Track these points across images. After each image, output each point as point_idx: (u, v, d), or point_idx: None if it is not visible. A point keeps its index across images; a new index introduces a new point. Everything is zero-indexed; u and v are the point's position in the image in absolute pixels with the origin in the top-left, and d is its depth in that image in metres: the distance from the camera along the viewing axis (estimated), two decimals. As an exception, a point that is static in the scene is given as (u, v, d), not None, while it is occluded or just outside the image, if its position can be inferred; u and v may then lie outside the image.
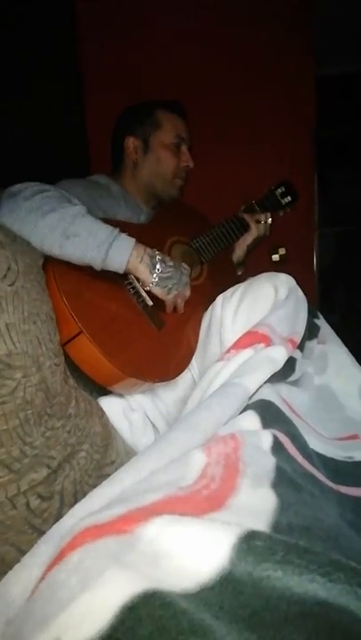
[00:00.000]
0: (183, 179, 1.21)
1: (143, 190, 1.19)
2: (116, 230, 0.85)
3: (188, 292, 0.96)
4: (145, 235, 1.01)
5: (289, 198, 1.30)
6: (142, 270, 0.87)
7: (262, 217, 1.24)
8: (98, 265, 0.83)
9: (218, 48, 1.67)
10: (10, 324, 0.60)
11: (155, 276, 0.88)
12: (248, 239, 1.24)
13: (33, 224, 0.79)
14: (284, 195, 1.29)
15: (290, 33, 1.63)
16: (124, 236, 0.85)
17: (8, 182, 0.89)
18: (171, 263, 0.91)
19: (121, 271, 0.85)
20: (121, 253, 0.83)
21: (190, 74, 1.66)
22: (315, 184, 1.70)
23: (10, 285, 0.63)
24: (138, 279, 0.91)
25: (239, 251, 1.27)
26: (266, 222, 1.24)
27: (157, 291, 0.90)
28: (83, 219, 0.83)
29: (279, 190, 1.29)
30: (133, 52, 1.68)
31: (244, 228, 1.23)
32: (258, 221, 1.24)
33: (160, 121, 1.17)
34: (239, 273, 1.32)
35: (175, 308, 0.97)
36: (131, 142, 1.17)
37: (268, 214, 1.25)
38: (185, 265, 0.97)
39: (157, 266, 0.88)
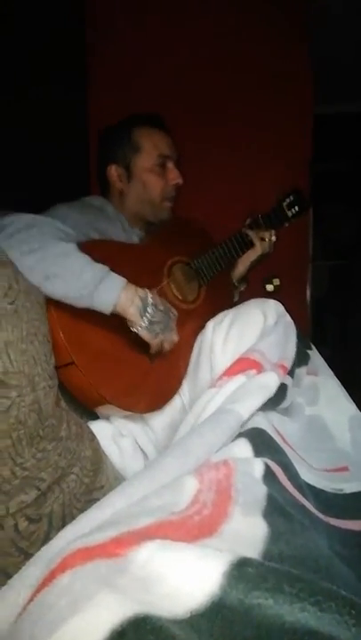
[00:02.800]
0: (172, 198, 1.17)
1: (133, 216, 1.17)
2: (105, 270, 0.83)
3: (175, 338, 0.94)
4: (145, 256, 1.01)
5: (297, 209, 1.26)
6: (132, 313, 0.85)
7: (267, 234, 1.21)
8: (82, 305, 0.81)
9: (218, 81, 1.73)
10: (8, 342, 0.61)
11: (144, 319, 0.86)
12: (252, 256, 1.22)
13: (13, 260, 0.76)
14: (291, 205, 1.25)
15: (291, 74, 1.70)
16: (113, 276, 0.83)
17: (5, 194, 0.90)
18: (161, 307, 0.89)
19: (107, 313, 0.83)
20: (108, 296, 0.81)
21: (190, 101, 1.70)
22: (310, 217, 1.74)
23: (10, 304, 0.64)
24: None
25: (242, 268, 1.25)
26: (270, 240, 1.21)
27: (144, 335, 0.88)
28: (67, 259, 0.81)
29: (287, 200, 1.25)
30: (137, 67, 1.72)
31: (248, 245, 1.20)
32: (262, 239, 1.20)
33: (139, 143, 1.13)
34: (242, 289, 1.30)
35: (160, 350, 0.94)
36: (113, 171, 1.15)
37: (273, 232, 1.22)
38: (173, 310, 0.95)
39: (148, 309, 0.86)
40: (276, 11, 1.68)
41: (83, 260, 0.82)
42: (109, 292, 0.82)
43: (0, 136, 1.19)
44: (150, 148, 1.13)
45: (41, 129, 1.37)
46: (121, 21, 1.73)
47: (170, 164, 1.15)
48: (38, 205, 0.94)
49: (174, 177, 1.15)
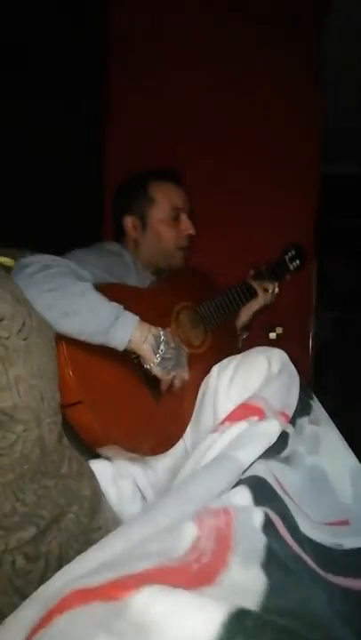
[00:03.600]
0: (186, 247, 1.23)
1: (147, 263, 1.22)
2: (119, 308, 0.86)
3: (186, 375, 0.96)
4: (155, 300, 1.05)
5: (298, 262, 1.34)
6: (146, 350, 0.88)
7: (270, 286, 1.27)
8: (97, 342, 0.84)
9: (228, 138, 1.82)
10: (19, 377, 0.62)
11: (157, 356, 0.88)
12: (255, 306, 1.26)
13: (33, 299, 0.80)
14: (293, 259, 1.34)
15: (299, 132, 1.79)
16: (127, 314, 0.86)
17: (17, 236, 0.94)
18: (173, 345, 0.92)
19: (121, 349, 0.86)
20: (123, 333, 0.84)
21: (201, 158, 1.78)
22: (313, 270, 1.78)
23: (23, 340, 0.65)
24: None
25: (244, 316, 1.29)
26: (273, 291, 1.27)
27: (157, 371, 0.90)
28: (84, 297, 0.84)
29: (289, 254, 1.34)
30: (152, 127, 1.81)
31: (251, 294, 1.25)
32: (265, 289, 1.26)
33: (154, 196, 1.20)
34: (244, 337, 1.33)
35: (170, 387, 0.96)
36: (129, 222, 1.21)
37: (276, 284, 1.28)
38: (184, 347, 0.98)
39: (161, 347, 0.89)
40: (287, 65, 1.78)
41: (99, 298, 0.85)
42: (124, 328, 0.84)
43: (19, 183, 1.25)
44: (164, 201, 1.20)
45: (57, 173, 1.44)
46: (139, 73, 1.84)
47: (183, 216, 1.22)
48: (54, 249, 0.97)
49: (187, 228, 1.22)
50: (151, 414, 0.94)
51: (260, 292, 1.25)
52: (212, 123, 1.82)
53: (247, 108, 1.81)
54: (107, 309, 0.84)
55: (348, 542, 0.67)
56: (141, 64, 1.84)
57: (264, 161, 1.80)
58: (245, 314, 1.29)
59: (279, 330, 1.53)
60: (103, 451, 0.88)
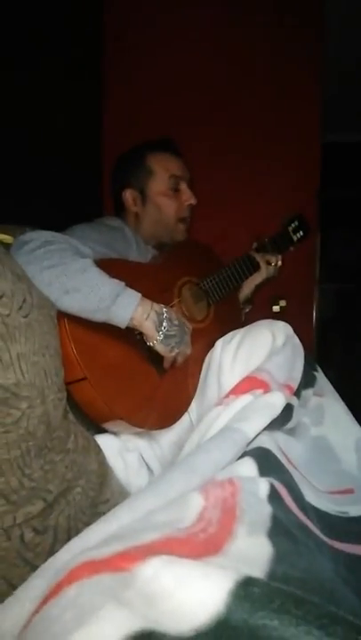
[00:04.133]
0: (187, 219, 1.22)
1: (148, 237, 1.20)
2: (121, 285, 0.84)
3: (188, 351, 0.96)
4: (157, 275, 1.03)
5: (301, 233, 1.32)
6: (148, 327, 0.86)
7: (273, 259, 1.25)
8: (98, 319, 0.83)
9: (228, 109, 1.77)
10: (21, 354, 0.62)
11: (160, 333, 0.88)
12: (257, 279, 1.25)
13: (33, 276, 0.79)
14: (296, 230, 1.31)
15: (300, 102, 1.74)
16: (129, 291, 0.85)
17: (16, 212, 0.92)
18: (176, 321, 0.91)
19: (123, 327, 0.85)
20: (125, 310, 0.83)
21: (200, 129, 1.74)
22: (317, 241, 1.76)
23: (24, 317, 0.65)
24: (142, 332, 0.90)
25: (247, 289, 1.28)
26: (276, 264, 1.26)
27: (160, 348, 0.90)
28: (85, 274, 0.82)
29: (292, 225, 1.31)
30: (149, 96, 1.77)
31: (254, 267, 1.23)
32: (268, 262, 1.25)
33: (152, 168, 1.18)
34: (247, 310, 1.33)
35: (173, 363, 0.96)
36: (129, 195, 1.19)
37: (280, 257, 1.27)
38: (187, 323, 0.97)
39: (164, 323, 0.88)
40: (289, 37, 1.72)
41: (100, 274, 0.84)
42: (126, 306, 0.83)
43: (16, 158, 1.23)
44: (163, 172, 1.18)
45: (56, 151, 1.41)
46: (135, 50, 1.79)
47: (183, 186, 1.20)
48: (53, 225, 0.96)
49: (187, 198, 1.20)
50: (155, 389, 0.94)
51: (262, 265, 1.24)
52: (211, 94, 1.76)
53: (246, 78, 1.75)
54: (108, 286, 0.83)
55: (353, 510, 0.68)
56: (138, 38, 1.78)
57: (265, 132, 1.76)
58: (248, 287, 1.28)
59: (283, 302, 1.52)
60: (109, 426, 0.89)
